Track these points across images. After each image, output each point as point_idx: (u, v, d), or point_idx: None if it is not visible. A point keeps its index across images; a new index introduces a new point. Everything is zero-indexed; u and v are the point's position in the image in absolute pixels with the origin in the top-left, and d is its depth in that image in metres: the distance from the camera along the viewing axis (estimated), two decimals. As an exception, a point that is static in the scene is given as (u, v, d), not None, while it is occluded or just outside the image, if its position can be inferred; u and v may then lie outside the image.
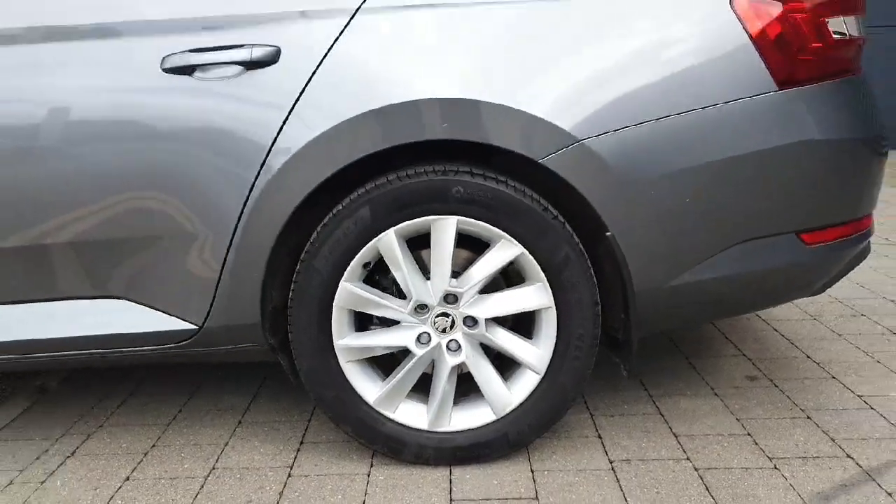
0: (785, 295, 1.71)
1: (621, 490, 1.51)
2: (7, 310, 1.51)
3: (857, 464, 1.58)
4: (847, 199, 1.59)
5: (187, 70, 1.40)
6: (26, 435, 1.81)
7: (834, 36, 1.50)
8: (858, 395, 1.89)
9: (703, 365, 2.11)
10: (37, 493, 1.55)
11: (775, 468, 1.58)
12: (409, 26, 1.41)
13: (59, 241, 1.46)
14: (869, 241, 1.74)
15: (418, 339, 1.55)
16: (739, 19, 1.43)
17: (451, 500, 1.49)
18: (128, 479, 1.60)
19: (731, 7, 1.43)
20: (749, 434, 1.72)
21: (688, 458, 1.62)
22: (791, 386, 1.96)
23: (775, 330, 2.35)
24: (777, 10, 1.43)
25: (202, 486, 1.56)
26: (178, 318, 1.53)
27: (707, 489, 1.51)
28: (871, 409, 1.82)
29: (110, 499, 1.52)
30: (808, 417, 1.79)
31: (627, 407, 1.87)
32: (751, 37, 1.43)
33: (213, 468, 1.63)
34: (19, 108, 1.42)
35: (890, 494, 1.46)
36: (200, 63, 1.39)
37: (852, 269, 1.73)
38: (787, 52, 1.44)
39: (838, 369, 2.05)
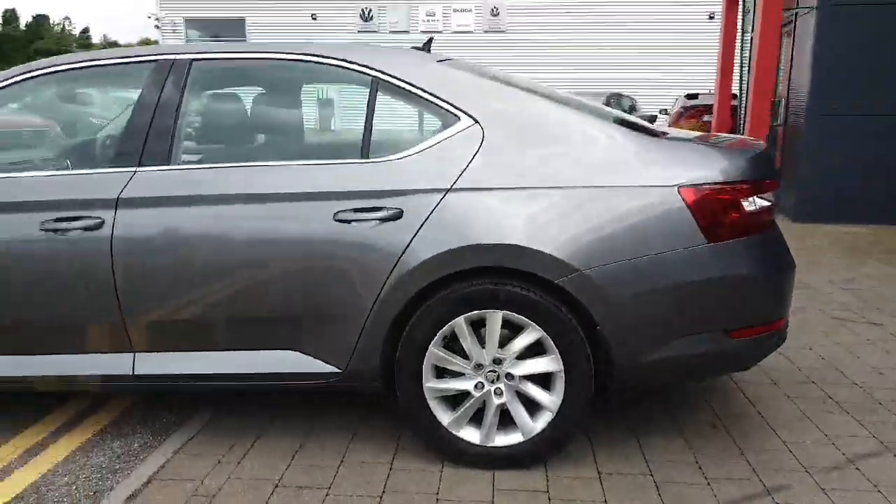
0: (719, 370, 2.55)
1: (603, 491, 2.36)
2: (216, 354, 2.49)
3: (763, 484, 2.39)
4: (759, 310, 2.43)
5: (348, 220, 2.36)
6: (218, 435, 2.78)
7: (747, 209, 2.36)
8: (783, 441, 2.69)
9: (681, 415, 2.93)
10: (238, 468, 2.51)
11: (708, 485, 2.40)
12: (479, 200, 2.34)
13: (269, 316, 2.44)
14: (782, 335, 2.56)
15: (475, 386, 2.45)
16: (683, 200, 2.31)
17: (493, 489, 2.37)
18: (289, 466, 2.54)
19: (679, 193, 2.32)
20: (697, 463, 2.54)
21: (651, 475, 2.46)
22: (739, 433, 2.76)
23: (741, 391, 3.15)
24: (707, 194, 2.31)
25: (337, 472, 2.49)
26: (329, 363, 2.48)
27: (659, 494, 2.34)
28: (788, 451, 2.62)
29: (282, 476, 2.47)
30: (742, 454, 2.60)
31: (617, 440, 2.71)
32: (690, 211, 2.31)
33: (342, 462, 2.56)
34: (261, 238, 2.40)
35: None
36: (356, 218, 2.36)
37: (769, 353, 2.56)
38: (713, 220, 2.31)
39: (776, 423, 2.84)
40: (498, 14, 25.79)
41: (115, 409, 3.04)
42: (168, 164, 2.49)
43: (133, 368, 2.53)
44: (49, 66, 2.67)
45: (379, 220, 2.36)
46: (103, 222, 2.44)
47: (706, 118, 14.82)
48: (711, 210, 2.32)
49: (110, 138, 2.75)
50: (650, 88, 23.70)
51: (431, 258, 2.33)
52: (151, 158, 2.50)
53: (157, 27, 27.43)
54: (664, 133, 2.65)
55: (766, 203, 2.46)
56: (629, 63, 24.49)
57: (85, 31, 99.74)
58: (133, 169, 2.49)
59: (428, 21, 26.41)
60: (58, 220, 2.45)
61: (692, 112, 15.97)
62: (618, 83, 23.01)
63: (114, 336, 2.52)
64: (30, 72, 2.66)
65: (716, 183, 2.33)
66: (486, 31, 25.95)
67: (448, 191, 2.36)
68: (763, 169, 2.44)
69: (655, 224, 2.32)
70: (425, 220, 2.34)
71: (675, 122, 15.84)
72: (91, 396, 3.15)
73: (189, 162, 2.54)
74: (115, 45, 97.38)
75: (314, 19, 26.38)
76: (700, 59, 21.14)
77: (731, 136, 3.05)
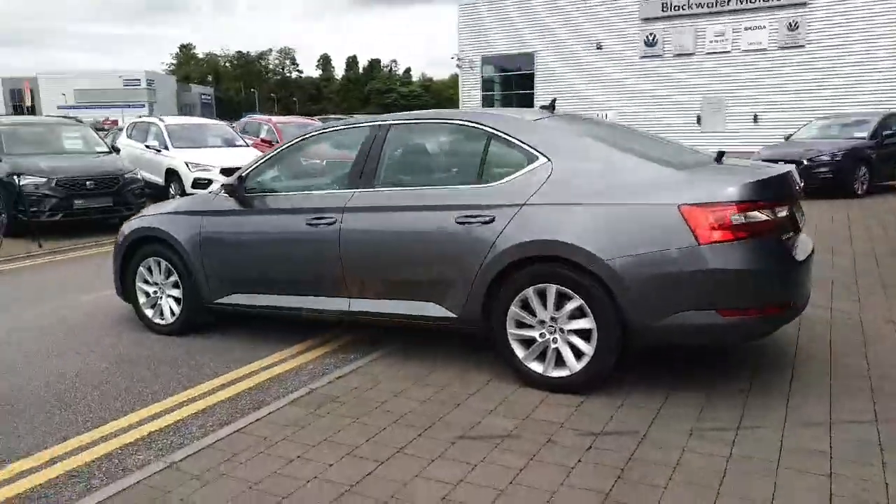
0: (715, 340, 3.45)
1: (617, 411, 3.43)
2: (390, 301, 4.10)
3: (740, 423, 3.23)
4: (748, 297, 3.30)
5: (463, 223, 3.80)
6: (392, 358, 4.39)
7: (734, 222, 3.26)
8: (787, 403, 3.41)
9: (719, 381, 3.76)
10: (398, 372, 4.09)
11: (698, 419, 3.31)
12: (543, 211, 3.60)
13: (418, 279, 3.98)
14: (779, 319, 3.35)
15: (540, 335, 3.70)
16: (681, 214, 3.31)
17: (544, 401, 3.59)
18: (429, 375, 4.04)
19: (678, 209, 3.32)
20: (702, 407, 3.44)
21: (661, 409, 3.44)
22: (759, 397, 3.54)
23: (795, 376, 3.83)
24: (698, 212, 3.28)
25: (452, 382, 3.92)
26: (450, 311, 3.93)
27: (655, 417, 3.34)
28: (785, 408, 3.36)
29: (424, 377, 3.98)
30: (744, 407, 3.41)
31: (650, 390, 3.69)
32: (686, 223, 3.30)
33: (458, 377, 3.98)
34: (417, 232, 3.97)
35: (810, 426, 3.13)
36: (468, 221, 3.79)
37: (765, 334, 3.36)
38: (702, 230, 3.27)
39: (800, 394, 3.54)
40: (797, 28, 24.34)
41: (341, 340, 4.86)
42: (373, 187, 4.20)
43: (349, 307, 4.28)
44: (321, 130, 4.59)
45: (481, 222, 3.76)
46: (335, 220, 4.22)
47: None
48: (700, 222, 3.28)
49: (343, 171, 4.58)
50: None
51: (509, 247, 3.66)
52: (364, 183, 4.23)
53: (458, 66, 31.45)
54: (715, 165, 3.66)
55: (761, 217, 3.31)
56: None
57: (407, 70, 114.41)
58: (354, 190, 4.25)
59: (716, 42, 26.00)
60: (314, 218, 4.30)
61: None
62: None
63: (339, 287, 4.29)
64: (316, 132, 4.62)
65: (706, 203, 3.29)
66: (781, 48, 24.66)
67: (523, 205, 3.67)
68: (758, 193, 3.32)
69: (660, 230, 3.36)
70: (507, 223, 3.68)
71: None
72: (331, 331, 5.02)
73: (384, 185, 4.22)
74: (430, 80, 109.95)
75: (599, 48, 27.78)
76: None
77: (765, 164, 3.82)
